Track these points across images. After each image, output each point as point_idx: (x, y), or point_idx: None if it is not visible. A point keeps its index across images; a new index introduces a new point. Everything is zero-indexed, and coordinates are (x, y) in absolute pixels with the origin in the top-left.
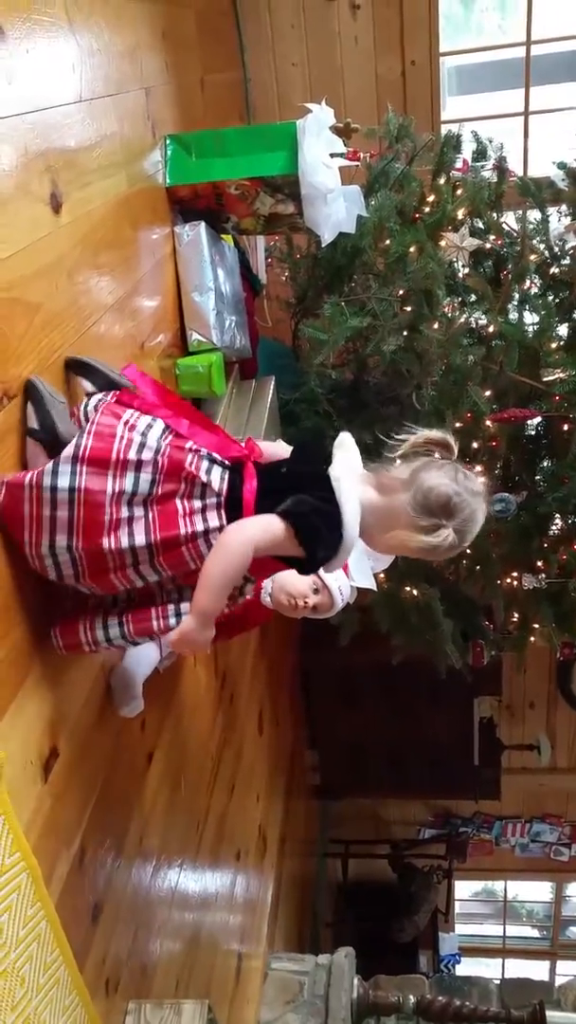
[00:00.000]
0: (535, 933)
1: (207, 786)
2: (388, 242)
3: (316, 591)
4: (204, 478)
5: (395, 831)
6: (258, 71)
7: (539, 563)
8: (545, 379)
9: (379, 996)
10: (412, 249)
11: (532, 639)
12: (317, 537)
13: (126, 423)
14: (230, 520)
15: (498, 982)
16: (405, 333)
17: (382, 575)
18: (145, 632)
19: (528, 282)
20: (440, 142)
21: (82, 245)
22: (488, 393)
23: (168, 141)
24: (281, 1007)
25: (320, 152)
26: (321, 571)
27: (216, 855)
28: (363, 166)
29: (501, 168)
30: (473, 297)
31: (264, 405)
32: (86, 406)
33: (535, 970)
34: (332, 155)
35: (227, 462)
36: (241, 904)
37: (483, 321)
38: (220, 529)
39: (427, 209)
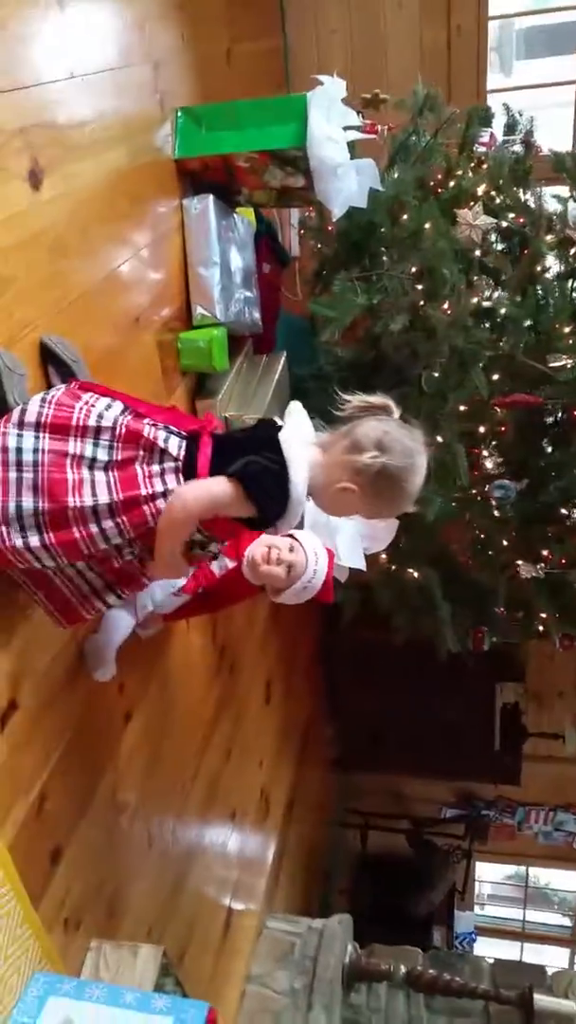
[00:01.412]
0: (566, 921)
1: (198, 748)
2: (405, 217)
3: (292, 550)
4: (162, 445)
5: (417, 808)
6: (298, 39)
7: (544, 552)
8: (551, 365)
9: (371, 963)
10: (428, 225)
11: (540, 628)
12: (266, 494)
13: (86, 402)
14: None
15: (492, 961)
16: (419, 312)
17: (383, 556)
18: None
19: (547, 263)
20: (466, 115)
21: (67, 221)
22: (496, 377)
23: (179, 114)
24: (272, 964)
25: (328, 126)
26: (299, 537)
27: (206, 813)
28: (382, 139)
29: (528, 143)
30: (487, 278)
31: (271, 380)
32: (45, 395)
33: (555, 956)
34: (346, 128)
35: (184, 433)
36: (235, 862)
37: (489, 304)
38: None
39: (452, 184)
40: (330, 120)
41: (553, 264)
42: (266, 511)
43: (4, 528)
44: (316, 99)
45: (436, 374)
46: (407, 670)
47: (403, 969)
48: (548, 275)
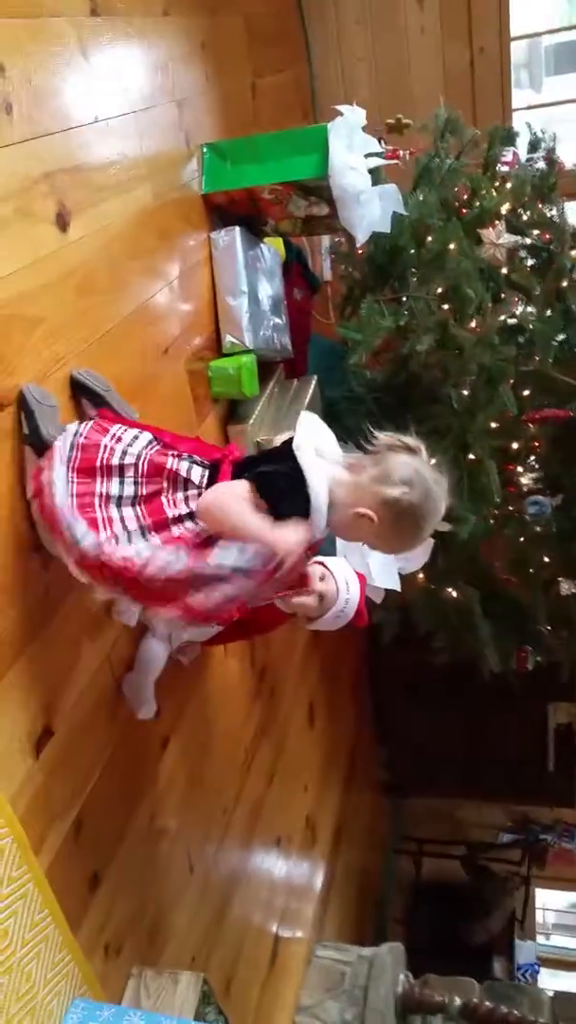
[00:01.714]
0: None
1: (239, 773)
2: (430, 239)
3: (323, 579)
4: (185, 475)
5: (472, 833)
6: (324, 69)
7: None
8: None
9: (425, 994)
10: (452, 246)
11: None
12: (277, 491)
13: (112, 435)
14: None
15: (551, 994)
16: (447, 331)
17: (421, 575)
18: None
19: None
20: (487, 136)
21: (95, 260)
22: (527, 392)
23: (204, 149)
24: (321, 994)
25: (348, 154)
26: (330, 565)
27: (249, 839)
28: (403, 164)
29: (551, 160)
30: (516, 294)
31: (302, 404)
32: (78, 427)
33: None
34: (368, 155)
35: (207, 462)
36: (282, 889)
37: (516, 320)
38: None
39: (478, 204)
40: (351, 148)
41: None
42: (279, 510)
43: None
44: (336, 129)
45: (465, 392)
46: (457, 691)
47: (458, 1001)
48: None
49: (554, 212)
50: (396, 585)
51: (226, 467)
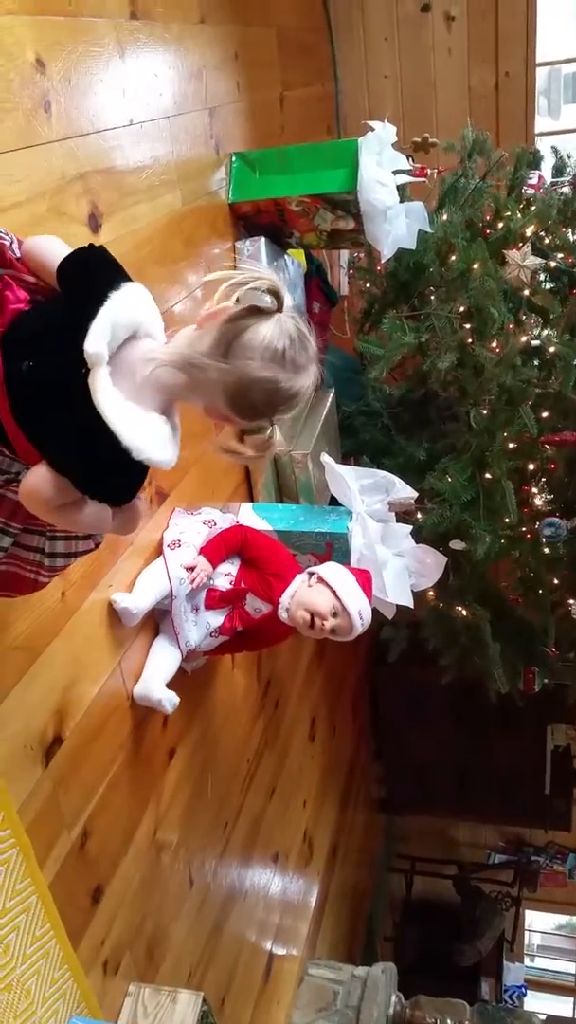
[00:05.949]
0: None
1: (240, 787)
2: (453, 258)
3: (335, 614)
4: None
5: (464, 853)
6: (350, 85)
7: None
8: None
9: (416, 1016)
10: (476, 266)
11: None
12: (88, 478)
13: None
14: None
15: (543, 1018)
16: (468, 350)
17: (431, 593)
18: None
19: None
20: (514, 158)
21: (124, 263)
22: (546, 414)
23: (233, 159)
24: (313, 1013)
25: (378, 170)
26: (342, 594)
27: (248, 855)
28: (430, 182)
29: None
30: (535, 317)
31: (319, 417)
32: None
33: None
34: (396, 172)
35: None
36: (278, 905)
37: (537, 342)
38: None
39: (500, 225)
40: (381, 164)
41: None
42: (97, 492)
43: None
44: (367, 144)
45: (484, 411)
46: (456, 709)
47: (449, 1023)
48: None
49: None
50: (409, 602)
51: None
